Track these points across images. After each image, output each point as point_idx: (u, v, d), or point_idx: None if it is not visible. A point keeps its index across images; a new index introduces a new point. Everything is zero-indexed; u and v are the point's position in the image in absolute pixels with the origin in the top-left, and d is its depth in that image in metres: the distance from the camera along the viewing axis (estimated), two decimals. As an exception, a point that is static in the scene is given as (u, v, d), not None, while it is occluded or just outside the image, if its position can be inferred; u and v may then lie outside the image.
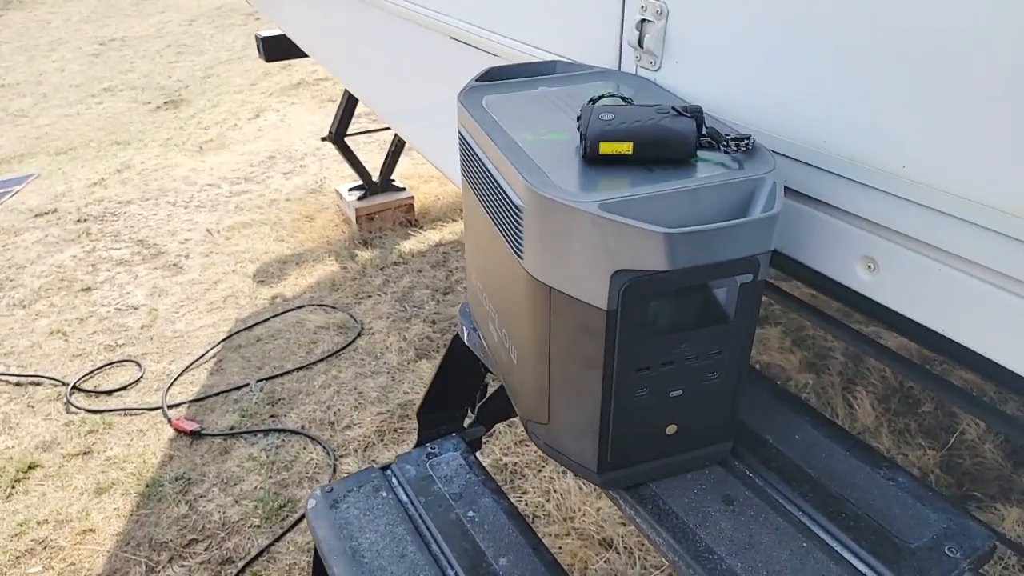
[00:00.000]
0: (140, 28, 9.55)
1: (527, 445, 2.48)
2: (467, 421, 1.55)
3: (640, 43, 1.16)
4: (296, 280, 3.61)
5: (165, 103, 6.49)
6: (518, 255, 0.90)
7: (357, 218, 3.97)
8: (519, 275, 0.91)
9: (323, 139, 3.91)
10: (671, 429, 0.94)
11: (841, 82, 0.89)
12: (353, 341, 3.12)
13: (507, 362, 1.10)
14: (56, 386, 2.93)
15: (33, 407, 2.83)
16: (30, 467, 2.53)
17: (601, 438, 0.92)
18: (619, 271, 0.79)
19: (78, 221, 4.30)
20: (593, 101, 0.96)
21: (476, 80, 1.19)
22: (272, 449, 2.55)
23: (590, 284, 0.82)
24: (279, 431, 2.62)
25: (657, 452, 0.96)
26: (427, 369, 2.91)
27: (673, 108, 0.90)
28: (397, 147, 4.00)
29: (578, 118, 0.94)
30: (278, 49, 3.66)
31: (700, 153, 0.91)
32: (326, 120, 5.70)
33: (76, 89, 7.15)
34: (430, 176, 4.63)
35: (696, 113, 0.90)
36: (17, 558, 2.22)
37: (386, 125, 4.42)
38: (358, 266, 3.70)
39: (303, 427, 2.64)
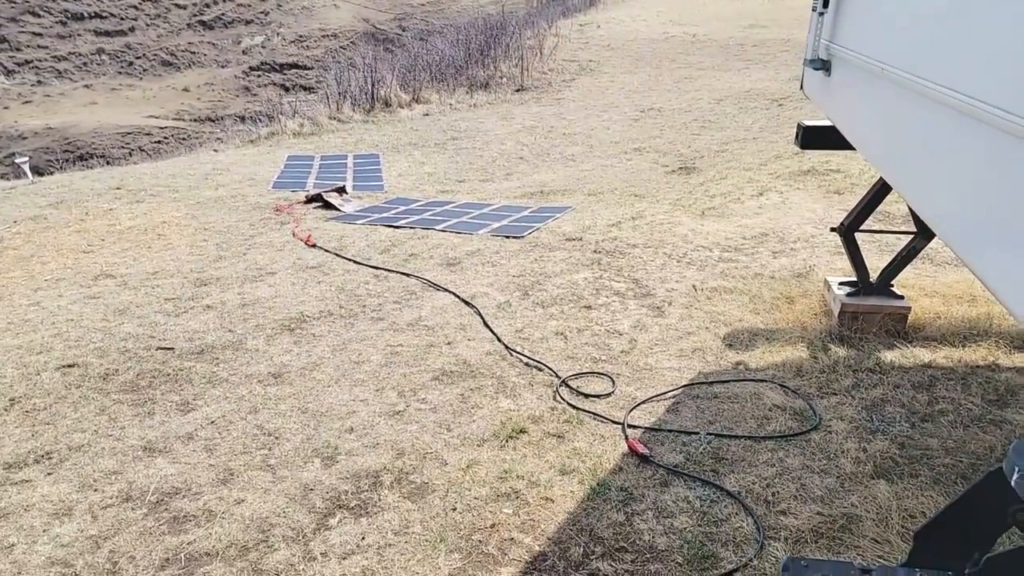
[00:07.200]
0: (675, 102, 10.95)
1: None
2: (968, 568, 1.39)
3: None
4: (763, 354, 3.68)
5: (680, 168, 7.31)
6: None
7: (841, 312, 3.83)
8: None
9: (832, 230, 3.90)
10: None
11: None
12: (807, 432, 3.04)
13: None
14: (551, 376, 3.61)
15: (532, 386, 3.55)
16: (520, 431, 3.19)
17: None
18: None
19: (594, 251, 5.19)
20: None
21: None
22: (707, 500, 2.68)
23: None
24: (717, 487, 2.74)
25: None
26: (884, 490, 2.66)
27: None
28: (909, 253, 3.74)
29: None
30: (816, 139, 3.79)
31: None
32: (828, 210, 5.65)
33: (614, 145, 8.61)
34: (933, 291, 4.18)
35: None
36: (497, 496, 2.82)
37: (901, 229, 4.16)
38: (829, 360, 3.57)
39: (739, 493, 2.70)
